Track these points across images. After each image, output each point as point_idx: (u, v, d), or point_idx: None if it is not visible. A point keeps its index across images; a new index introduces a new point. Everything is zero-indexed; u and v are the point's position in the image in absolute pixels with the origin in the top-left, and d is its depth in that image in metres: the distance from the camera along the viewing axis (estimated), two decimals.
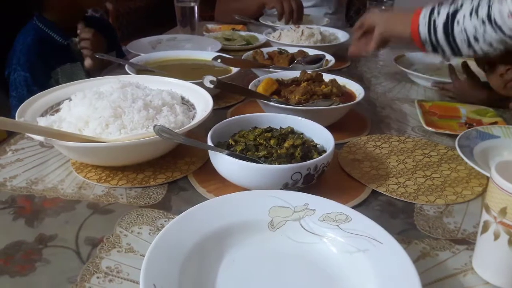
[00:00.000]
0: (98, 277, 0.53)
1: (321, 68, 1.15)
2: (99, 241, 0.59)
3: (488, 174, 0.62)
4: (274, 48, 1.33)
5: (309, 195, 0.61)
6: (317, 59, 1.21)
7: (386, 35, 1.08)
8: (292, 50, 1.31)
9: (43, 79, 1.29)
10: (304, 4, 1.97)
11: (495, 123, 0.92)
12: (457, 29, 0.89)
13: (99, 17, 2.07)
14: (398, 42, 1.11)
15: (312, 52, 1.27)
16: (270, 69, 1.12)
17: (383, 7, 1.61)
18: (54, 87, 0.87)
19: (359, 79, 1.25)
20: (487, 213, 0.51)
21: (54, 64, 1.33)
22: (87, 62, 1.32)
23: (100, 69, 1.35)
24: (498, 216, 0.49)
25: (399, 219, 0.66)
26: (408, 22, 0.98)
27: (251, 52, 1.28)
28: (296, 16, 1.74)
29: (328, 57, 1.23)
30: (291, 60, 1.22)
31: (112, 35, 1.64)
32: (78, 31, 1.33)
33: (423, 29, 0.95)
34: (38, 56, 1.30)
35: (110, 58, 1.26)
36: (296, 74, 1.06)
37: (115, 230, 0.61)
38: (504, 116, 1.00)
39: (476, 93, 1.07)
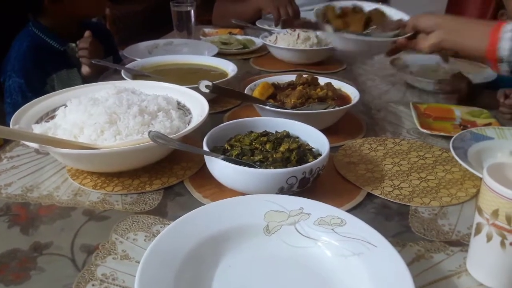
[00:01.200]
0: (93, 285, 0.53)
1: (398, 38, 0.99)
2: (95, 248, 0.59)
3: (482, 176, 0.62)
4: (349, 3, 1.13)
5: (304, 199, 0.61)
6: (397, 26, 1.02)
7: (447, 44, 0.90)
8: (369, 7, 1.11)
9: (38, 86, 1.28)
10: (308, 7, 1.98)
11: (489, 124, 0.93)
12: None
13: (96, 22, 2.07)
14: (458, 53, 0.98)
15: (391, 12, 1.09)
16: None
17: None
18: (49, 94, 0.87)
19: (354, 82, 1.26)
20: (479, 215, 0.51)
21: (50, 70, 1.33)
22: (85, 69, 1.32)
23: (97, 76, 1.35)
24: (491, 218, 0.49)
25: (394, 221, 0.66)
26: (484, 35, 0.83)
27: (322, 6, 1.11)
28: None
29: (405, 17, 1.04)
30: (366, 23, 1.05)
31: (109, 41, 1.64)
32: (78, 42, 1.33)
33: (505, 45, 0.81)
34: (33, 63, 1.30)
35: (107, 64, 1.26)
36: (292, 78, 1.06)
37: (110, 237, 0.61)
38: (498, 117, 1.01)
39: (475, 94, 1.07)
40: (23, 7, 1.39)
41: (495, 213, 0.48)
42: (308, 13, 2.02)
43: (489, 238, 0.50)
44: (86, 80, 1.36)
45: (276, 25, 1.77)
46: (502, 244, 0.49)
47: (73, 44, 1.34)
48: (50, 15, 1.35)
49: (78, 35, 1.37)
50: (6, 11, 1.42)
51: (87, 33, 1.31)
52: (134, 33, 4.03)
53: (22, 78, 1.27)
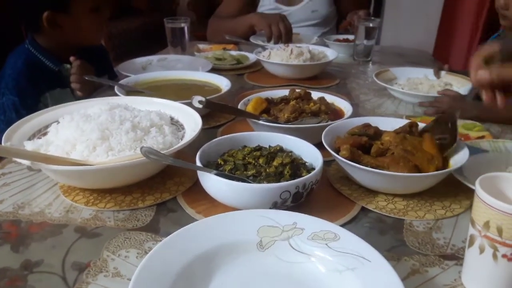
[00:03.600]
0: None
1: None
2: (86, 265, 0.58)
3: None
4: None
5: (298, 214, 0.61)
6: None
7: None
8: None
9: (32, 103, 1.28)
10: (305, 23, 2.00)
11: (482, 137, 0.93)
12: None
13: None
14: None
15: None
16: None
17: (370, 24, 1.63)
18: (42, 110, 0.87)
19: (348, 96, 1.26)
20: (472, 227, 0.51)
21: (44, 89, 1.33)
22: (78, 93, 1.32)
23: (91, 94, 1.35)
24: (482, 230, 0.49)
25: (388, 235, 0.66)
26: None
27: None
28: (284, 39, 1.75)
29: None
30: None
31: (104, 59, 1.65)
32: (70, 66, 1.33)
33: None
34: (28, 81, 1.30)
35: (100, 80, 1.26)
36: (285, 92, 1.07)
37: (102, 254, 0.60)
38: (491, 130, 1.01)
39: (466, 108, 1.08)
40: (20, 25, 1.39)
41: (487, 225, 0.48)
42: (304, 29, 2.04)
43: (481, 249, 0.50)
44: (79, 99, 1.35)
45: (268, 41, 1.78)
46: (494, 256, 0.49)
47: (68, 66, 1.34)
48: (48, 36, 1.35)
49: (73, 55, 1.37)
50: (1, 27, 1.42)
51: (72, 58, 1.31)
52: (129, 49, 4.06)
53: (16, 95, 1.27)
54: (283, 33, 1.74)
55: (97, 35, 1.49)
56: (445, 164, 0.75)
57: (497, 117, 1.06)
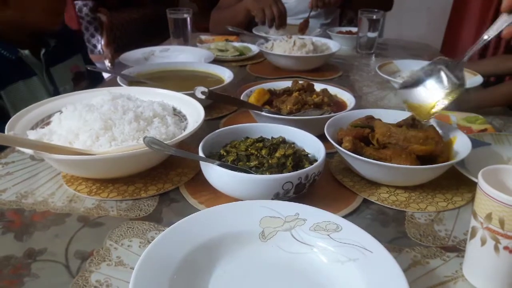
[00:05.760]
0: None
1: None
2: (89, 254, 0.58)
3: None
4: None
5: (300, 204, 0.61)
6: None
7: None
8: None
9: None
10: (303, 15, 1.99)
11: (485, 130, 0.93)
12: None
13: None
14: None
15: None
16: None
17: (374, 16, 1.62)
18: (45, 100, 0.87)
19: (351, 88, 1.26)
20: (474, 219, 0.51)
21: (2, 84, 1.14)
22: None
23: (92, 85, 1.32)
24: (484, 222, 0.49)
25: (390, 227, 0.66)
26: None
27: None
28: (278, 22, 1.74)
29: None
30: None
31: (75, 39, 1.53)
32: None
33: None
34: None
35: (102, 70, 1.26)
36: (288, 84, 1.06)
37: (105, 243, 0.60)
38: (494, 123, 1.01)
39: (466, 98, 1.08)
40: None
41: (489, 217, 0.48)
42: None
43: (483, 241, 0.50)
44: (55, 85, 1.25)
45: (262, 25, 1.77)
46: (496, 248, 0.49)
47: (26, 51, 1.18)
48: None
49: (32, 41, 1.23)
50: None
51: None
52: (131, 40, 4.05)
53: None
54: (276, 16, 1.73)
55: (53, 15, 1.26)
56: (448, 156, 0.75)
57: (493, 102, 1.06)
